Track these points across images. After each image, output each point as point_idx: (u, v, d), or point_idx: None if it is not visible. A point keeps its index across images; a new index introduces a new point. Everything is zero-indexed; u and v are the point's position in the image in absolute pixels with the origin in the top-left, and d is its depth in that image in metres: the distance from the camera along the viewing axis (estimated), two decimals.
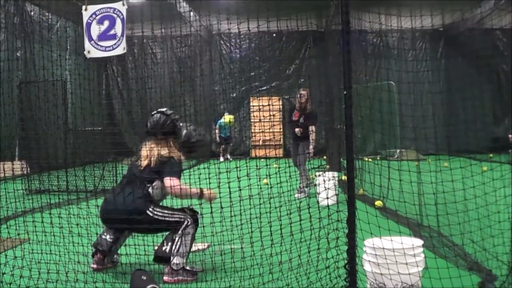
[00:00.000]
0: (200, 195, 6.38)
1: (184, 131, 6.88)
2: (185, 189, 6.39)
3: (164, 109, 6.88)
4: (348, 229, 4.71)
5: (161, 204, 6.59)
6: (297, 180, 11.40)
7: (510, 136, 15.47)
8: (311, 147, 12.72)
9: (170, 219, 6.28)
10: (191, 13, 24.00)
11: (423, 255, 4.82)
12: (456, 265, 6.17)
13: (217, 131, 25.37)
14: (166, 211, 6.34)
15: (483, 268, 5.89)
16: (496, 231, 5.84)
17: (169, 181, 6.35)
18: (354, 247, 4.71)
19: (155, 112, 6.95)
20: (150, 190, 6.40)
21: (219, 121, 25.13)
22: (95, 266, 6.58)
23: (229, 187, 5.75)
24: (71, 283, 5.73)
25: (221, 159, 24.23)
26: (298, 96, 13.04)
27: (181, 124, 6.94)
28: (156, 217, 6.24)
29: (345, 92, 4.76)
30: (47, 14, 20.74)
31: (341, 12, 4.87)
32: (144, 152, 6.63)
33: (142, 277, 4.52)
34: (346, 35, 4.82)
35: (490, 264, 5.81)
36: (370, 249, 4.73)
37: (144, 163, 6.54)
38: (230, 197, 5.80)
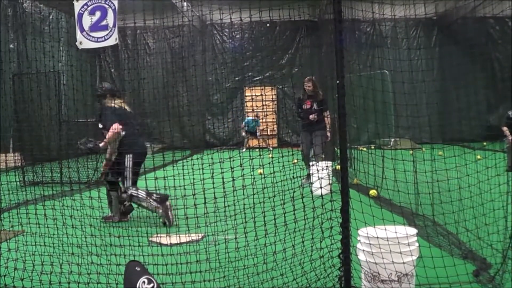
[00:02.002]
0: None
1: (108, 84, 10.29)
2: None
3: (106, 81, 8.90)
4: (342, 219, 4.71)
5: None
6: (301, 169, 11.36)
7: (503, 128, 15.43)
8: (328, 133, 12.92)
9: None
10: (184, 3, 23.94)
11: (417, 244, 4.82)
12: (450, 253, 6.19)
13: (244, 128, 25.96)
14: None
15: (478, 257, 5.90)
16: (491, 220, 5.84)
17: None
18: (348, 237, 4.71)
19: (102, 82, 9.91)
20: None
21: (246, 119, 25.40)
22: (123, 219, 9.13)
23: (222, 178, 5.74)
24: (65, 275, 5.72)
25: (244, 149, 24.39)
26: (305, 86, 13.04)
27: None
28: None
29: (337, 82, 4.75)
30: (40, 5, 20.69)
31: (333, 1, 4.86)
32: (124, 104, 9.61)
33: (136, 268, 4.52)
34: (339, 24, 4.80)
35: (485, 253, 5.82)
36: (364, 238, 4.73)
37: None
38: (223, 187, 5.80)
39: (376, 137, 20.86)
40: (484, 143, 19.73)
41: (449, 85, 24.77)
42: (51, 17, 21.13)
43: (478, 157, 8.43)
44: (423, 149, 17.42)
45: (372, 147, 18.03)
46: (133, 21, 6.70)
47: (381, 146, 17.73)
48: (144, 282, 4.25)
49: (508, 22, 26.77)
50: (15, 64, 18.11)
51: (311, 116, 12.70)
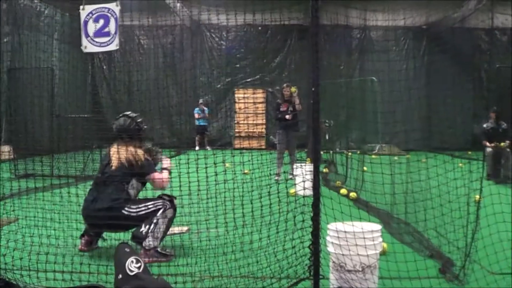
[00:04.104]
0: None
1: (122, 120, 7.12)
2: (168, 182, 6.85)
3: (128, 113, 7.20)
4: (313, 213, 5.08)
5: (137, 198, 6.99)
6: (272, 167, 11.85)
7: (484, 142, 15.93)
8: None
9: (149, 210, 6.61)
10: (178, 4, 24.24)
11: (380, 239, 5.22)
12: (419, 253, 6.60)
13: None
14: (142, 205, 6.68)
15: (444, 256, 6.34)
16: (458, 226, 6.25)
17: (158, 175, 6.89)
18: (318, 229, 5.07)
19: (120, 115, 7.24)
20: (130, 190, 6.78)
21: None
22: (83, 247, 6.92)
23: (206, 177, 6.11)
24: (60, 264, 5.82)
25: None
26: (283, 90, 14.36)
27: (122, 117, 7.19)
28: (133, 214, 6.58)
29: (313, 89, 5.07)
30: (35, 1, 20.82)
31: (311, 9, 5.12)
32: (114, 153, 6.84)
33: (126, 249, 4.83)
34: (314, 37, 5.13)
35: (452, 256, 6.24)
36: (333, 232, 5.14)
37: (115, 163, 6.76)
38: (207, 188, 6.20)
39: (362, 143, 21.20)
40: (469, 152, 20.09)
41: (437, 93, 25.03)
42: (46, 11, 21.26)
43: (460, 165, 8.83)
44: (408, 155, 17.81)
45: (358, 153, 18.40)
46: (126, 20, 7.06)
47: (367, 152, 18.11)
48: (132, 261, 4.56)
49: (496, 34, 27.12)
50: (10, 58, 18.30)
51: (287, 116, 14.00)
